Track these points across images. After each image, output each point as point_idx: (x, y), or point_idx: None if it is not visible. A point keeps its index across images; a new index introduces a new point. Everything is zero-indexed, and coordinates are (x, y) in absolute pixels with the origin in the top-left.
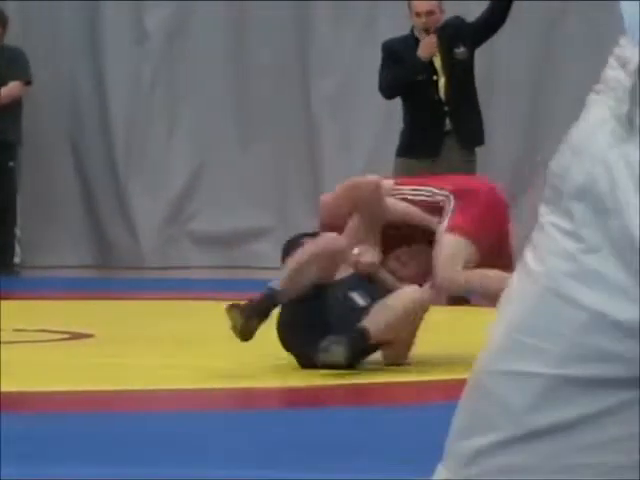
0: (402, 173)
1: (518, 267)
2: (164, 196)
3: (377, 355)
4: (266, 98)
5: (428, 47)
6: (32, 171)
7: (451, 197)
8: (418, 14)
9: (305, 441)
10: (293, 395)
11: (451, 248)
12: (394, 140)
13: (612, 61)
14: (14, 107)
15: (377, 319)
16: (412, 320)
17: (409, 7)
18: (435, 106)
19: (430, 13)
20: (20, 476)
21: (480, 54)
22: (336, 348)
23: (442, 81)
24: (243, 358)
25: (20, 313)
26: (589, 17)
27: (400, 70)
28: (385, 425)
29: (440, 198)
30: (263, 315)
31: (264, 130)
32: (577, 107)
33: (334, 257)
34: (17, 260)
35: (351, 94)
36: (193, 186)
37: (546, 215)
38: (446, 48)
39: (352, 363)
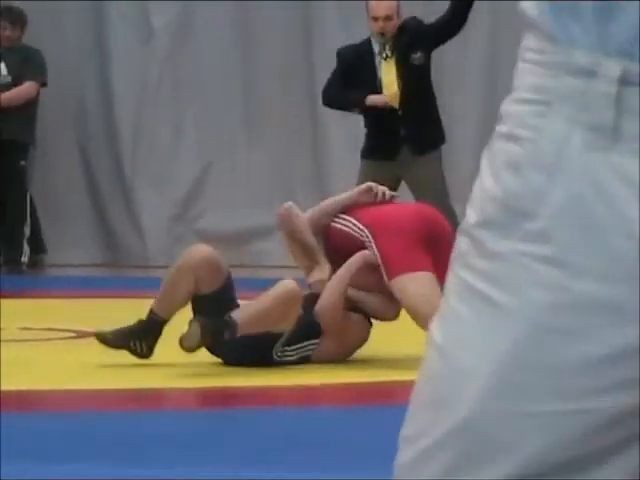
0: (366, 175)
1: (463, 297)
2: (171, 195)
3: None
4: (273, 98)
5: (378, 101)
6: (39, 170)
7: (367, 232)
8: (375, 18)
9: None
10: (285, 393)
11: (411, 293)
12: None
13: (544, 69)
14: (29, 108)
15: (247, 309)
16: (283, 310)
17: (366, 9)
18: (388, 112)
19: (388, 18)
20: (21, 475)
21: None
22: (194, 331)
23: (394, 88)
24: None
25: (27, 311)
26: None
27: (341, 97)
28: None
29: (358, 232)
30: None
31: (270, 129)
32: None
33: None
34: (24, 259)
35: None
36: (200, 185)
37: (503, 242)
38: (402, 55)
39: (211, 348)
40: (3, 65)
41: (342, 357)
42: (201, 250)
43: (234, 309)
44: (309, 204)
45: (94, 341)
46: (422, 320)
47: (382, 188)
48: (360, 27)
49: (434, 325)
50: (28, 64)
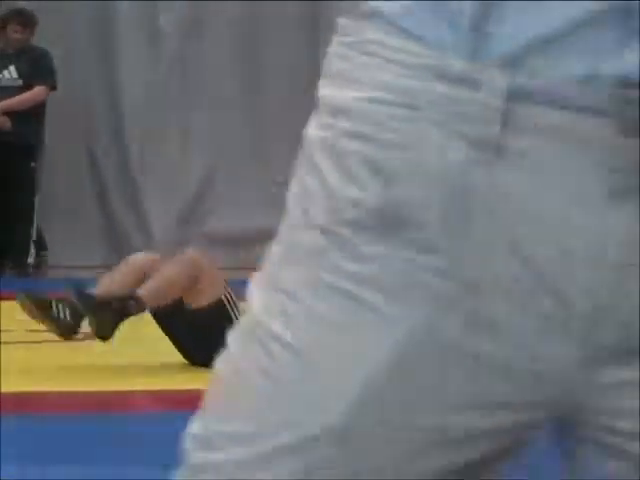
0: None
1: (320, 295)
2: (178, 197)
3: None
4: (280, 98)
5: None
6: (45, 172)
7: None
8: None
9: None
10: None
11: None
12: None
13: (404, 70)
14: (38, 111)
15: (150, 283)
16: (188, 275)
17: None
18: None
19: None
20: (21, 476)
21: None
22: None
23: None
24: None
25: None
26: None
27: None
28: None
29: None
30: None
31: (278, 130)
32: None
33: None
34: (31, 260)
35: None
36: (207, 187)
37: (380, 247)
38: None
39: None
40: (13, 68)
41: None
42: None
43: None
44: None
45: (99, 343)
46: None
47: None
48: None
49: (274, 320)
50: (38, 67)
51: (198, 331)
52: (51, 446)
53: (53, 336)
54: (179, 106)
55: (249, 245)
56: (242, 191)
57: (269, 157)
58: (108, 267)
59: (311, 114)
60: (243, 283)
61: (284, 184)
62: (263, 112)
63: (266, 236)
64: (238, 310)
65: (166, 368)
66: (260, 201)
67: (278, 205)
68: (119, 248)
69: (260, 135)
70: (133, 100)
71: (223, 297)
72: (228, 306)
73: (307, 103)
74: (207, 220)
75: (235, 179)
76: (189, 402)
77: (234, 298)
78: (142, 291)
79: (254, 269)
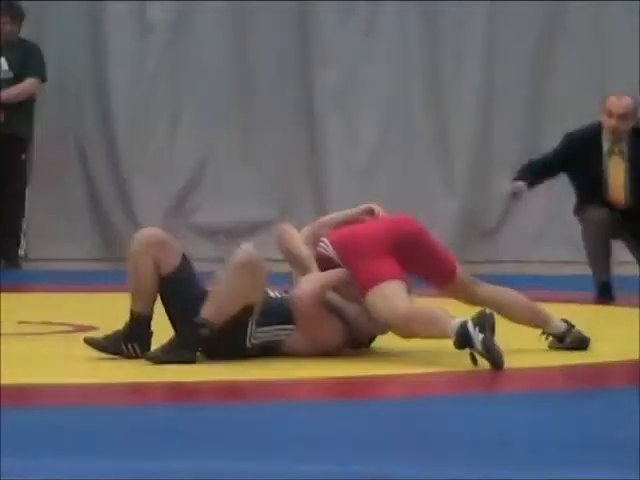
0: None
1: None
2: (167, 188)
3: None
4: (270, 90)
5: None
6: (36, 165)
7: (337, 253)
8: (610, 114)
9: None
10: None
11: (384, 302)
12: (399, 133)
13: None
14: (28, 103)
15: (212, 299)
16: (247, 282)
17: (603, 102)
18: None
19: (623, 117)
20: (21, 470)
21: None
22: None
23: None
24: None
25: (24, 305)
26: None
27: (535, 175)
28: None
29: (332, 253)
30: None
31: (268, 122)
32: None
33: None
34: (22, 253)
35: (355, 86)
36: (196, 178)
37: None
38: (634, 157)
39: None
40: (4, 60)
41: (311, 352)
42: (147, 232)
43: (197, 287)
44: (306, 196)
45: (92, 334)
46: (396, 330)
47: (382, 210)
48: (356, 22)
49: None
50: (29, 60)
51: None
52: (49, 440)
53: (44, 329)
54: (168, 98)
55: (238, 236)
56: (231, 183)
57: (259, 149)
58: (97, 259)
59: (300, 108)
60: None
61: (273, 179)
62: (252, 105)
63: (255, 228)
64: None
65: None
66: (249, 193)
67: (268, 197)
68: (108, 240)
69: (249, 127)
70: (122, 92)
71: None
72: (250, 321)
73: (296, 97)
74: (196, 212)
75: (224, 171)
76: (191, 395)
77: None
78: (208, 314)
79: None
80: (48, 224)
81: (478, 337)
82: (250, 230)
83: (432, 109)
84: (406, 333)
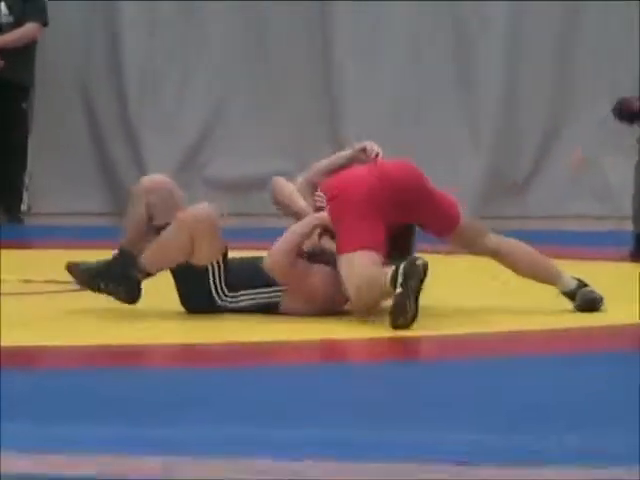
0: None
1: None
2: (179, 141)
3: None
4: (286, 38)
5: None
6: (39, 114)
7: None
8: None
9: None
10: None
11: (348, 272)
12: (420, 83)
13: None
14: (28, 49)
15: (151, 249)
16: (189, 236)
17: None
18: None
19: None
20: (21, 435)
21: None
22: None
23: None
24: None
25: (27, 263)
26: None
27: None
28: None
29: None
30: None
31: (283, 72)
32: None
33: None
34: (25, 208)
35: (374, 34)
36: (209, 131)
37: None
38: None
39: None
40: (3, 5)
41: (309, 312)
42: (152, 177)
43: None
44: (322, 149)
45: (98, 295)
46: (352, 303)
47: (377, 148)
48: None
49: None
50: (28, 3)
51: (180, 282)
52: (54, 405)
53: (48, 287)
54: (181, 44)
55: (251, 191)
56: (245, 135)
57: (274, 100)
58: (105, 214)
59: (318, 55)
60: (245, 230)
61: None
62: (269, 52)
63: (267, 181)
64: (220, 277)
65: (178, 319)
66: (263, 146)
67: (282, 151)
68: (116, 195)
69: (265, 76)
70: (132, 37)
71: (209, 265)
72: (210, 273)
73: (313, 45)
74: (208, 165)
75: (238, 123)
76: (202, 358)
77: (221, 267)
78: (142, 257)
79: (255, 216)
80: (52, 177)
81: (397, 289)
82: (265, 184)
83: (457, 60)
84: (357, 304)
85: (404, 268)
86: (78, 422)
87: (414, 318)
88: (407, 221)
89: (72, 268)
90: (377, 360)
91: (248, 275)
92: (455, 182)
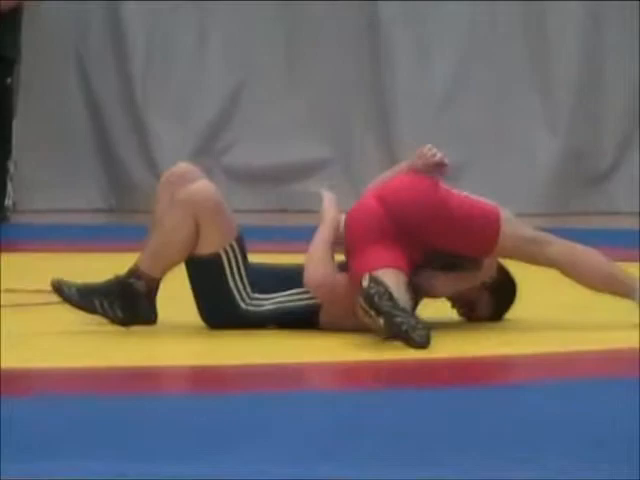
0: None
1: None
2: (193, 124)
3: None
4: (319, 9)
5: None
6: (29, 95)
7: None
8: None
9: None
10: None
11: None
12: (488, 55)
13: None
14: (14, 18)
15: (145, 251)
16: (188, 220)
17: None
18: None
19: None
20: (21, 470)
21: None
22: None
23: None
24: None
25: (11, 269)
26: None
27: None
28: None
29: None
30: None
31: (317, 40)
32: None
33: None
34: (10, 202)
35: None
36: (230, 110)
37: None
38: None
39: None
40: None
41: (348, 327)
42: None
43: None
44: (367, 131)
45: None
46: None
47: (435, 153)
48: None
49: None
50: None
51: (195, 284)
52: (41, 437)
53: (35, 298)
54: (194, 11)
55: (281, 183)
56: (271, 116)
57: (306, 74)
58: (104, 211)
59: (360, 19)
60: (275, 229)
61: (327, 109)
62: (299, 18)
63: (302, 172)
64: (239, 270)
65: (187, 340)
66: (296, 128)
67: (317, 134)
68: (120, 189)
69: (295, 47)
70: (136, 6)
71: (222, 251)
72: (226, 262)
73: (355, 5)
74: (229, 151)
75: (263, 101)
76: (216, 383)
77: (237, 256)
78: (140, 261)
79: (287, 213)
80: (41, 167)
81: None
82: (298, 174)
83: (530, 30)
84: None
85: (366, 293)
86: (74, 457)
87: (428, 333)
88: (434, 247)
89: (59, 286)
90: (436, 384)
91: (276, 275)
92: (529, 171)
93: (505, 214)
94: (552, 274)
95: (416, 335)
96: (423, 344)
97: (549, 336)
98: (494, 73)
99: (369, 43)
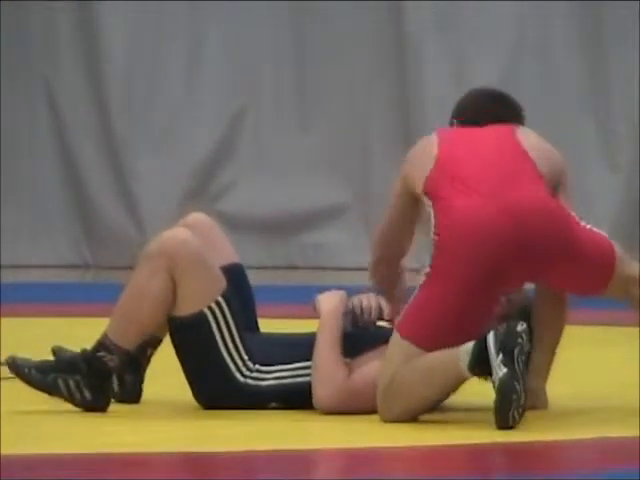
0: None
1: None
2: (183, 162)
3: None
4: (340, 7)
5: None
6: None
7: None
8: None
9: None
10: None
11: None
12: (533, 74)
13: None
14: None
15: (113, 317)
16: (144, 280)
17: None
18: None
19: None
20: None
21: None
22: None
23: None
24: None
25: None
26: None
27: None
28: None
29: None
30: None
31: (332, 58)
32: None
33: None
34: None
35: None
36: (226, 146)
37: None
38: None
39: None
40: None
41: (360, 408)
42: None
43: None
44: (390, 170)
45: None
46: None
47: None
48: None
49: None
50: None
51: (180, 353)
52: None
53: (6, 372)
54: (185, 26)
55: (289, 234)
56: (278, 152)
57: (319, 100)
58: (78, 267)
59: (385, 32)
60: (280, 289)
61: (344, 142)
62: (310, 32)
63: (315, 220)
64: (230, 332)
65: (187, 426)
66: (305, 167)
67: (332, 173)
68: (96, 241)
69: (305, 66)
70: (117, 19)
71: (206, 309)
72: (213, 323)
73: (380, 19)
74: (225, 196)
75: (267, 133)
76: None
77: (226, 314)
78: (108, 333)
79: (297, 269)
80: (10, 217)
81: (499, 370)
82: (308, 223)
83: (585, 40)
84: (384, 412)
85: (500, 338)
86: None
87: (524, 409)
88: (536, 281)
89: (15, 364)
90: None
91: (280, 344)
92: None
93: (618, 248)
94: None
95: (511, 416)
96: (507, 425)
97: None
98: (544, 96)
99: (395, 64)
